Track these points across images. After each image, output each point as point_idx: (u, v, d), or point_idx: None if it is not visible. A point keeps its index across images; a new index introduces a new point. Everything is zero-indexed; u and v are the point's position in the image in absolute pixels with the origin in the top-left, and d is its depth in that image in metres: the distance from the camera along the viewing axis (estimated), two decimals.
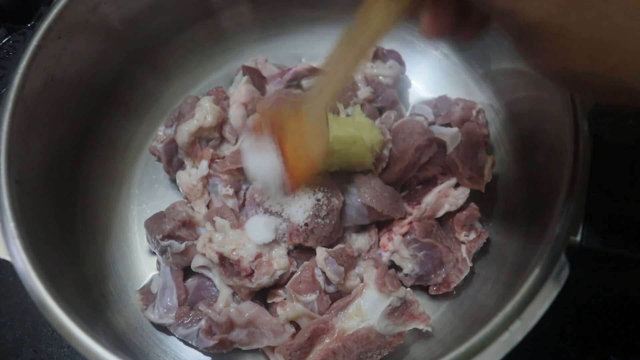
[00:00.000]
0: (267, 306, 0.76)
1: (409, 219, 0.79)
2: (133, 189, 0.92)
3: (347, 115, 0.82)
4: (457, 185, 0.82)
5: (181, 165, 0.87)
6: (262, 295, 0.77)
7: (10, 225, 0.65)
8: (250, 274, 0.74)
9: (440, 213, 0.81)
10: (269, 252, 0.74)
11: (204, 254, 0.75)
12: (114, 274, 0.83)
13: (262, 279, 0.73)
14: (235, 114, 0.86)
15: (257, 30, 1.00)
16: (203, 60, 0.99)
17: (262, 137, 0.65)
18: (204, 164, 0.83)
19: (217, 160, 0.85)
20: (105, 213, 0.87)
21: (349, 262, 0.75)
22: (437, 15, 0.50)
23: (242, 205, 0.83)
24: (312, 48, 0.99)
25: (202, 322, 0.73)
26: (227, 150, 0.86)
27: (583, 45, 0.40)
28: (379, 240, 0.80)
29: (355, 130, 0.78)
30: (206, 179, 0.84)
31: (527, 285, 0.58)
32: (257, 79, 0.92)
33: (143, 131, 0.95)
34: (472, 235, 0.80)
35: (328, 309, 0.74)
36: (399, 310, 0.71)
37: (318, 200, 0.74)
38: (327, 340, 0.71)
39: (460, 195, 0.81)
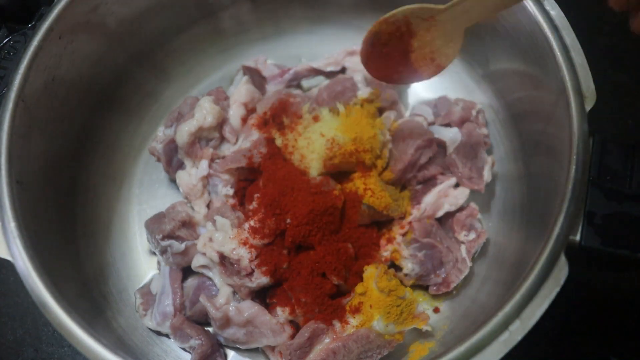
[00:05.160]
0: (267, 306, 0.77)
1: (409, 219, 0.80)
2: (133, 188, 0.92)
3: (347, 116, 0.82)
4: (457, 185, 0.82)
5: (180, 166, 0.87)
6: (262, 295, 0.78)
7: (11, 225, 0.65)
8: (250, 273, 0.74)
9: (440, 213, 0.81)
10: None
11: (204, 253, 0.75)
12: (114, 273, 0.83)
13: (262, 279, 0.73)
14: (235, 113, 0.87)
15: (257, 30, 1.00)
16: (203, 60, 0.99)
17: None
18: (204, 163, 0.83)
19: (217, 160, 0.85)
20: (106, 213, 0.88)
21: (349, 262, 0.75)
22: None
23: (242, 205, 0.83)
24: (312, 48, 0.99)
25: (193, 342, 0.74)
26: (227, 150, 0.86)
27: None
28: (379, 240, 0.80)
29: (355, 130, 0.79)
30: (206, 179, 0.84)
31: (526, 285, 0.58)
32: (257, 79, 0.92)
33: (143, 131, 0.95)
34: (472, 235, 0.80)
35: (328, 309, 0.74)
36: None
37: (318, 199, 0.74)
38: (327, 340, 0.71)
39: (460, 195, 0.81)
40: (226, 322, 0.72)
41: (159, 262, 0.83)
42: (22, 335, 0.89)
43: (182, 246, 0.77)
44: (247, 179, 0.83)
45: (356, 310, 0.72)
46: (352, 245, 0.76)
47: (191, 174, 0.84)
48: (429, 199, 0.80)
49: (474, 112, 0.86)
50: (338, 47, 0.93)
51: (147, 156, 0.92)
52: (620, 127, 0.99)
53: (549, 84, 0.71)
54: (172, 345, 0.78)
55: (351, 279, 0.75)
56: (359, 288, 0.73)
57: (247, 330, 0.73)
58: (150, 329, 0.78)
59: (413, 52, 0.75)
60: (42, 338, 0.88)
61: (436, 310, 0.79)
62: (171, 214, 0.79)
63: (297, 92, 0.90)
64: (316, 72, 0.93)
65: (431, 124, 0.88)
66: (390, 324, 0.70)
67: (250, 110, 0.88)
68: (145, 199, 0.91)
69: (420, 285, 0.80)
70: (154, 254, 0.82)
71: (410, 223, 0.79)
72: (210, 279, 0.78)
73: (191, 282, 0.80)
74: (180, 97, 0.96)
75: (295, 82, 0.93)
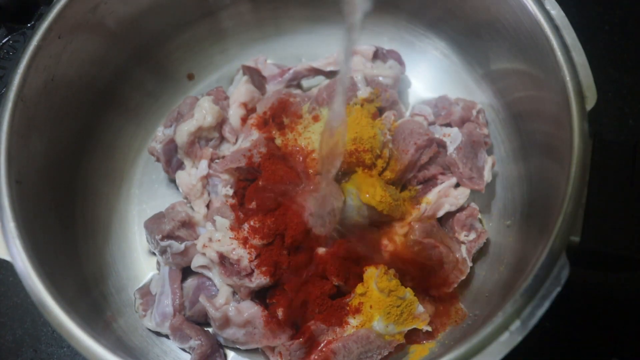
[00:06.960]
0: (267, 306, 0.76)
1: (409, 219, 0.79)
2: (133, 188, 0.92)
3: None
4: (457, 185, 0.82)
5: (180, 166, 0.87)
6: (262, 295, 0.77)
7: (11, 225, 0.65)
8: (250, 274, 0.74)
9: (441, 213, 0.81)
10: None
11: (204, 254, 0.75)
12: (114, 273, 0.83)
13: (261, 279, 0.73)
14: (235, 113, 0.86)
15: (257, 30, 1.00)
16: (203, 60, 0.99)
17: None
18: (203, 163, 0.83)
19: (217, 160, 0.85)
20: (105, 213, 0.87)
21: (349, 262, 0.75)
22: None
23: (242, 205, 0.83)
24: (312, 48, 0.99)
25: (193, 342, 0.74)
26: (227, 150, 0.86)
27: None
28: (379, 240, 0.79)
29: (355, 130, 0.78)
30: (206, 179, 0.84)
31: (527, 285, 0.58)
32: (257, 78, 0.92)
33: (143, 131, 0.95)
34: (472, 235, 0.80)
35: (328, 309, 0.74)
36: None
37: (319, 200, 0.74)
38: (327, 340, 0.71)
39: (460, 195, 0.81)
40: (226, 322, 0.72)
41: (158, 262, 0.83)
42: (21, 335, 0.88)
43: (182, 246, 0.77)
44: (247, 179, 0.83)
45: (356, 310, 0.72)
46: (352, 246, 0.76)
47: (191, 174, 0.84)
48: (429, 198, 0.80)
49: (474, 112, 0.86)
50: (338, 47, 0.92)
51: (147, 156, 0.92)
52: (621, 127, 0.99)
53: (549, 84, 0.70)
54: (172, 345, 0.78)
55: (351, 279, 0.75)
56: (359, 288, 0.73)
57: (247, 331, 0.73)
58: (150, 330, 0.78)
59: None
60: (41, 338, 0.88)
61: None
62: (171, 214, 0.79)
63: (297, 92, 0.90)
64: (316, 72, 0.93)
65: (431, 123, 0.88)
66: (391, 325, 0.70)
67: (250, 110, 0.88)
68: (145, 199, 0.91)
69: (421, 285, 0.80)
70: (154, 254, 0.82)
71: (410, 223, 0.79)
72: (210, 279, 0.78)
73: (191, 282, 0.80)
74: (180, 97, 0.96)
75: (295, 82, 0.93)
